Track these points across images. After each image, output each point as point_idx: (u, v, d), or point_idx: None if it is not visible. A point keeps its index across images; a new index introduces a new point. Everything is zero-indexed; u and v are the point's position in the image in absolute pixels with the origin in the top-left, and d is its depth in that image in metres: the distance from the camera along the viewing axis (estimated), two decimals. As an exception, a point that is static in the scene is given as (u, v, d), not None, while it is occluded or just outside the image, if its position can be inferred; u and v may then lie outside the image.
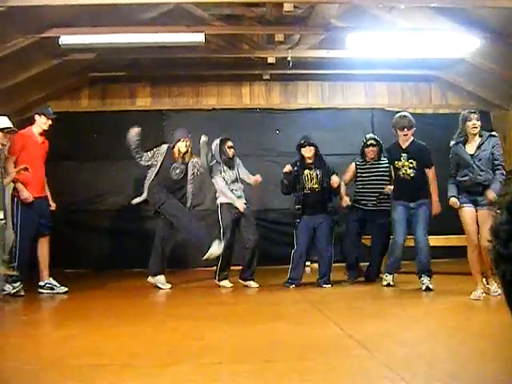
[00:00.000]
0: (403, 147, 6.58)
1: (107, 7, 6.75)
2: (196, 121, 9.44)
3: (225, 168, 7.19)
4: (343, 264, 7.48)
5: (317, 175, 6.96)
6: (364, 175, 7.36)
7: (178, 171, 7.12)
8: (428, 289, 6.14)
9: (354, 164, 7.47)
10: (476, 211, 5.64)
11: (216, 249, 6.69)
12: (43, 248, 6.80)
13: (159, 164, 7.04)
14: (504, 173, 5.68)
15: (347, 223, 7.42)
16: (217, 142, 7.23)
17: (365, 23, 8.00)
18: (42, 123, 6.75)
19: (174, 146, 7.17)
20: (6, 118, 6.33)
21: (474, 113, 5.83)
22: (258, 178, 7.32)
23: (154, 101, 10.16)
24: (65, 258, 8.74)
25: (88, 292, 6.86)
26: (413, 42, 7.94)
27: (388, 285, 6.76)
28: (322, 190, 6.95)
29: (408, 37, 7.84)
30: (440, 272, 7.12)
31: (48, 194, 7.00)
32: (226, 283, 7.08)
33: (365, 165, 7.39)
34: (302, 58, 9.21)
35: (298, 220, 7.02)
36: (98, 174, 9.61)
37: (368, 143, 7.33)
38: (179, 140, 7.14)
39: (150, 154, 7.09)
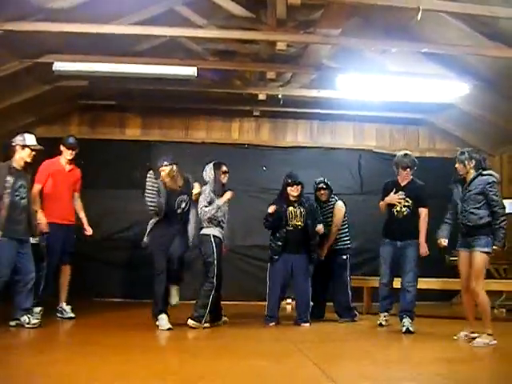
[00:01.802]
0: (401, 184, 6.63)
1: (103, 36, 6.80)
2: (185, 154, 9.44)
3: (215, 196, 6.62)
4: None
5: (301, 212, 6.93)
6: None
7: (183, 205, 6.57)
8: (408, 331, 6.12)
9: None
10: (470, 253, 5.65)
11: (175, 296, 6.35)
12: (64, 274, 6.98)
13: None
14: (501, 213, 5.60)
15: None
16: (210, 166, 6.77)
17: (356, 65, 8.12)
18: (64, 153, 7.05)
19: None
20: (33, 136, 6.37)
21: (462, 153, 5.86)
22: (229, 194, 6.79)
23: (144, 131, 10.18)
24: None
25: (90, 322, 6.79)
26: (403, 86, 8.06)
27: (380, 324, 6.74)
28: (305, 228, 6.94)
29: (398, 80, 7.95)
30: (425, 315, 7.10)
31: (85, 220, 7.19)
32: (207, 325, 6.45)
33: (320, 208, 7.47)
34: (292, 97, 9.29)
35: (277, 256, 6.88)
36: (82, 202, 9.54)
37: (319, 186, 7.51)
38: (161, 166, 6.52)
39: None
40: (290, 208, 6.93)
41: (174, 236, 6.44)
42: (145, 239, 6.48)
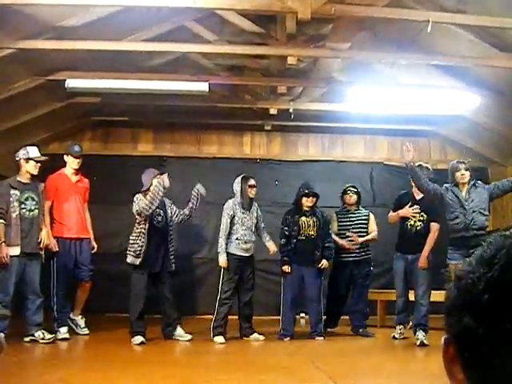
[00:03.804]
0: (417, 198, 6.58)
1: (114, 53, 6.88)
2: (196, 168, 9.49)
3: (240, 209, 6.83)
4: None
5: (314, 222, 6.93)
6: (344, 223, 7.48)
7: (159, 218, 6.69)
8: (422, 344, 6.08)
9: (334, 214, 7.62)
10: None
11: (181, 334, 6.59)
12: (81, 289, 6.90)
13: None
14: None
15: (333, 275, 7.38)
16: (239, 179, 6.96)
17: (366, 78, 8.13)
18: (70, 162, 6.88)
19: (148, 188, 6.60)
20: (35, 148, 6.41)
21: (463, 163, 5.92)
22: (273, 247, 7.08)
23: (156, 147, 10.22)
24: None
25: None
26: (413, 98, 8.05)
27: (394, 337, 6.70)
28: (317, 237, 6.91)
29: (409, 92, 7.95)
30: (439, 328, 7.04)
31: (91, 234, 7.06)
32: (219, 339, 6.55)
33: (345, 213, 7.53)
34: (303, 111, 9.31)
35: (287, 266, 6.86)
36: (93, 217, 9.54)
37: (347, 190, 7.56)
38: (154, 177, 6.65)
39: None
40: (303, 218, 6.94)
41: (158, 254, 6.56)
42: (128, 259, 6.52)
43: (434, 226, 6.48)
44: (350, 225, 7.42)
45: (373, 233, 7.44)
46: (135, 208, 6.44)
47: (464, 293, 0.83)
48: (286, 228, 6.97)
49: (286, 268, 6.86)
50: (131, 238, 6.54)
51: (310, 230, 6.91)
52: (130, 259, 6.47)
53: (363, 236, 7.37)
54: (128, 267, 6.55)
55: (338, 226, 7.46)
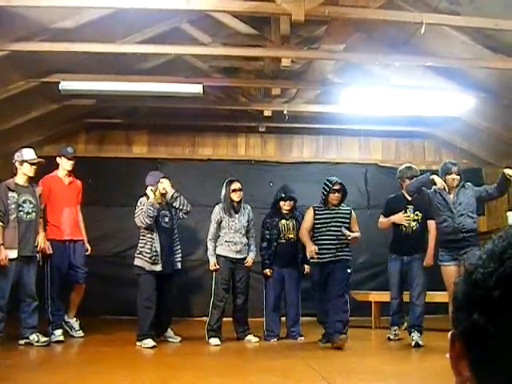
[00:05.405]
0: (409, 199, 6.55)
1: (108, 56, 6.87)
2: (191, 170, 9.48)
3: (225, 214, 6.79)
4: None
5: (293, 225, 6.93)
6: (323, 222, 6.48)
7: (167, 219, 6.64)
8: (418, 345, 6.09)
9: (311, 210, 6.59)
10: (459, 267, 5.54)
11: (172, 335, 6.69)
12: (76, 291, 6.86)
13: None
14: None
15: (313, 278, 6.56)
16: (224, 184, 6.94)
17: (360, 79, 8.14)
18: (64, 164, 6.83)
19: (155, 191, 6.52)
20: (31, 151, 6.37)
21: (455, 165, 5.90)
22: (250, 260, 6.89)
23: (150, 149, 10.20)
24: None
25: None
26: (408, 100, 8.06)
27: (389, 338, 6.70)
28: (297, 240, 6.85)
29: (403, 94, 7.96)
30: (434, 329, 7.06)
31: (84, 236, 7.01)
32: (214, 341, 6.51)
33: (323, 210, 6.53)
34: (297, 112, 9.32)
35: (268, 270, 6.88)
36: (88, 219, 9.50)
37: (334, 188, 6.48)
38: (157, 182, 6.57)
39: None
40: (283, 221, 6.94)
41: (170, 255, 6.55)
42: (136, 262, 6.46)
43: (433, 224, 6.45)
44: (330, 222, 6.42)
45: (357, 232, 6.48)
46: (137, 220, 6.41)
47: (474, 288, 0.81)
48: (266, 232, 6.98)
49: (268, 271, 6.91)
50: (140, 241, 6.49)
51: (290, 233, 6.91)
52: (139, 262, 6.38)
53: (343, 236, 6.34)
54: (136, 269, 6.42)
55: (316, 222, 6.47)
